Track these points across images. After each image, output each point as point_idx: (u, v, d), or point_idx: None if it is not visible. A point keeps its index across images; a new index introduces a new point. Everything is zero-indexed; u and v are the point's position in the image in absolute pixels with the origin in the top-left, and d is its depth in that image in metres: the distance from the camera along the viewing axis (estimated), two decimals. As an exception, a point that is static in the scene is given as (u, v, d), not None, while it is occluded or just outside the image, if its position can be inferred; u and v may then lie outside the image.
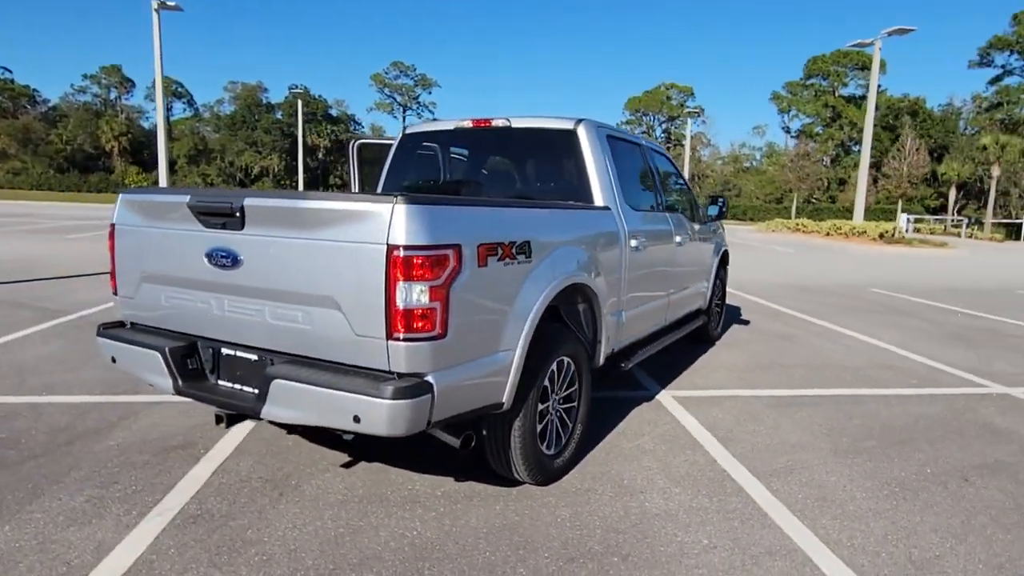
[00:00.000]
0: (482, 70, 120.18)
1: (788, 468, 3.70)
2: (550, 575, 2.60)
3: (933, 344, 7.24)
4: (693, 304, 5.90)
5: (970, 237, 37.24)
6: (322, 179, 73.25)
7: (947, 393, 5.33)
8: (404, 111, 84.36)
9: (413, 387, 2.45)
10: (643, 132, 78.97)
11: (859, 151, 71.51)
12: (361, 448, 3.76)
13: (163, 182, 27.43)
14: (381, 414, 2.44)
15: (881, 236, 25.55)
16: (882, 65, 71.41)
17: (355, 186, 6.03)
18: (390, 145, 6.16)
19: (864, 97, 72.92)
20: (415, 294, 2.40)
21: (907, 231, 27.34)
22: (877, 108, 71.49)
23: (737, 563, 2.71)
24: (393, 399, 2.41)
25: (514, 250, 2.88)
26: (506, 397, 2.90)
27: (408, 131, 4.78)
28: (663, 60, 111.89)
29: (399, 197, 2.41)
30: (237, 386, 2.98)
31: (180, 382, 2.99)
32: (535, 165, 4.49)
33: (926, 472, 3.71)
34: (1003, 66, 68.10)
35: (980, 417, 4.73)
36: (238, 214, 2.69)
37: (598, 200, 3.97)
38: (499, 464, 3.23)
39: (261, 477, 3.40)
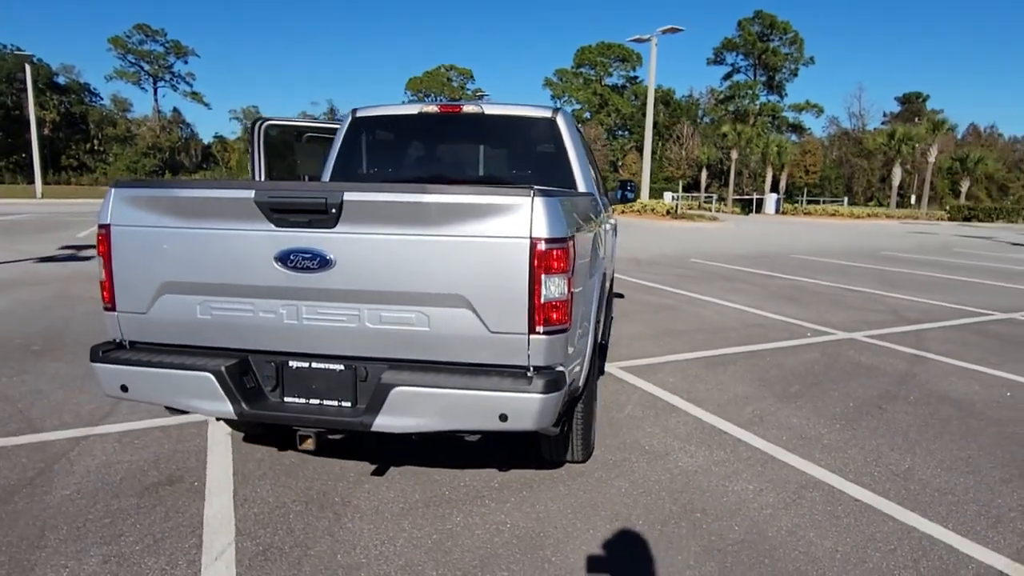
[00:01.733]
0: (248, 47, 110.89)
1: (759, 417, 4.29)
2: (658, 538, 2.79)
3: (772, 302, 8.64)
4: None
5: (719, 211, 43.90)
6: (51, 160, 61.77)
7: (814, 342, 6.46)
8: (155, 82, 74.93)
9: (557, 379, 2.45)
10: (427, 113, 79.69)
11: (625, 136, 79.84)
12: (364, 454, 3.56)
13: None
14: (532, 409, 2.42)
15: (668, 212, 29.12)
16: (639, 58, 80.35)
17: (258, 174, 5.46)
18: (305, 129, 5.70)
19: (626, 87, 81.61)
20: (554, 287, 2.40)
21: (676, 208, 31.52)
22: (636, 97, 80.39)
23: (790, 499, 3.16)
24: (544, 393, 2.40)
25: (588, 239, 2.96)
26: (583, 381, 2.99)
27: (359, 114, 4.46)
28: (443, 42, 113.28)
29: (533, 189, 2.38)
30: (316, 401, 2.67)
31: (244, 405, 2.60)
32: (511, 153, 4.51)
33: (850, 406, 4.55)
34: (732, 64, 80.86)
35: (849, 358, 5.85)
36: (333, 210, 2.41)
37: (581, 187, 4.14)
38: (554, 449, 3.31)
39: (297, 500, 3.08)
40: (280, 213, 2.45)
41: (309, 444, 2.64)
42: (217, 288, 2.58)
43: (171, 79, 75.72)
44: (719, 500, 3.14)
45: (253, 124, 5.39)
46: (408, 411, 2.47)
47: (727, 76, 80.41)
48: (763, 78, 79.30)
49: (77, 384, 4.68)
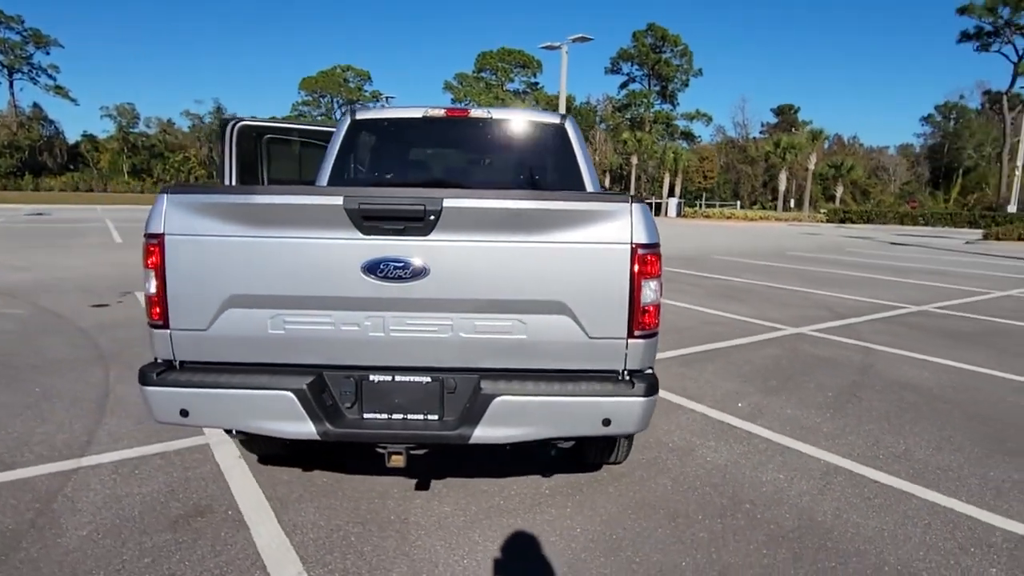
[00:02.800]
0: (121, 38, 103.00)
1: (757, 410, 4.53)
2: (723, 531, 2.90)
3: (716, 301, 9.11)
4: None
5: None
6: None
7: (769, 338, 6.89)
8: (10, 73, 67.92)
9: (655, 382, 2.50)
10: (322, 115, 77.33)
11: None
12: (392, 470, 3.45)
13: None
14: (636, 413, 2.45)
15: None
16: (539, 65, 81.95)
17: (229, 177, 5.15)
18: (282, 131, 5.41)
19: (527, 92, 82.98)
20: (650, 291, 2.45)
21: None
22: (537, 103, 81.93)
23: (821, 486, 3.37)
24: (646, 396, 2.44)
25: None
26: None
27: (359, 116, 4.31)
28: (339, 43, 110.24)
29: (630, 195, 2.41)
30: (400, 416, 2.55)
31: (329, 424, 2.44)
32: (520, 158, 4.49)
33: (829, 396, 4.90)
34: (628, 74, 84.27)
35: (807, 352, 6.29)
36: (432, 217, 2.33)
37: (589, 189, 4.22)
38: (601, 452, 3.35)
39: (350, 521, 2.94)
40: (372, 221, 2.34)
41: (399, 461, 2.52)
42: (294, 301, 2.42)
43: (30, 71, 68.85)
44: (759, 491, 3.30)
45: (224, 124, 5.06)
46: (510, 421, 2.43)
47: (623, 85, 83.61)
48: (657, 87, 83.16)
49: (32, 412, 4.20)
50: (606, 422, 2.45)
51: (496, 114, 4.25)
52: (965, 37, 49.10)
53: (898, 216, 44.36)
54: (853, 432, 4.14)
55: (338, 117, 78.31)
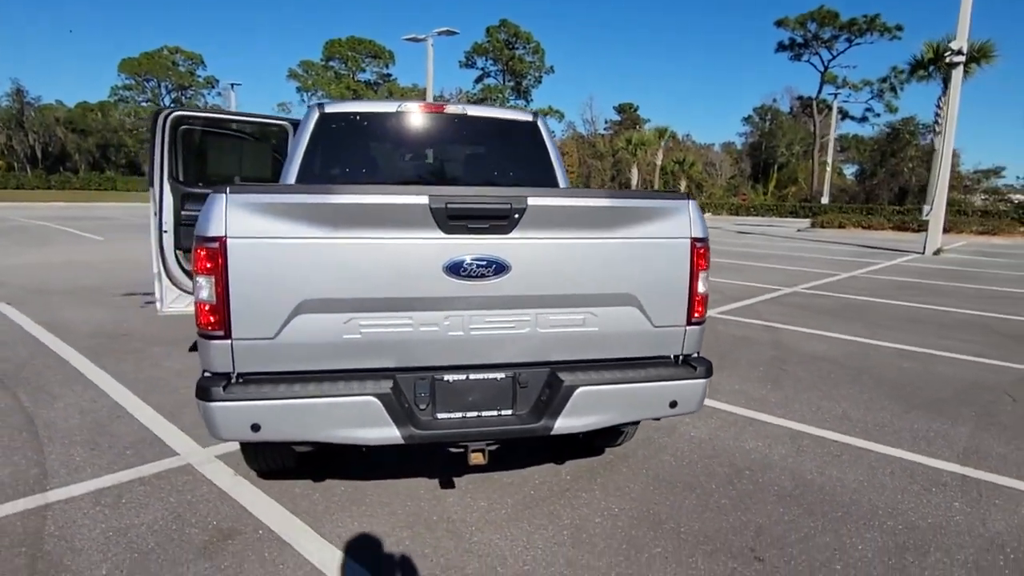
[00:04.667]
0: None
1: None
2: (740, 496, 3.22)
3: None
4: None
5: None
6: None
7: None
8: None
9: (710, 365, 2.72)
10: (148, 101, 70.41)
11: (388, 134, 79.49)
12: (382, 472, 3.44)
13: None
14: (698, 393, 2.67)
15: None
16: (391, 56, 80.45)
17: (160, 173, 4.71)
18: (222, 121, 4.99)
19: (379, 83, 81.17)
20: (703, 282, 2.67)
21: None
22: (391, 94, 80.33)
23: (794, 449, 3.82)
24: (706, 377, 2.67)
25: None
26: None
27: (328, 110, 4.11)
28: (162, 20, 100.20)
29: (687, 193, 2.61)
30: (474, 413, 2.55)
31: (413, 427, 2.39)
32: (495, 155, 4.52)
33: (761, 370, 5.49)
34: (483, 68, 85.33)
35: (725, 332, 6.94)
36: (517, 215, 2.36)
37: (562, 186, 4.39)
38: (609, 436, 3.54)
39: (396, 526, 2.89)
40: (458, 220, 2.32)
41: (480, 459, 2.53)
42: (371, 303, 2.34)
43: None
44: (749, 458, 3.68)
45: (156, 115, 4.58)
46: (590, 410, 2.54)
47: (478, 79, 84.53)
48: (511, 83, 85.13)
49: (-42, 446, 3.59)
50: (673, 404, 2.64)
51: (471, 111, 4.27)
52: (781, 47, 55.57)
53: (732, 207, 49.30)
54: (796, 401, 4.70)
55: (167, 103, 71.81)
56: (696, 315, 2.69)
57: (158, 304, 4.83)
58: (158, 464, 3.46)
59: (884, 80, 43.34)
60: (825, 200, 39.41)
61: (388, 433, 2.37)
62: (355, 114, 4.19)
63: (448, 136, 4.41)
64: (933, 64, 20.86)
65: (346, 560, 2.62)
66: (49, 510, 2.96)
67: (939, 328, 7.39)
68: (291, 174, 3.96)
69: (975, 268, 14.20)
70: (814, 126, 52.00)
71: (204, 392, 2.26)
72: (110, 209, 30.25)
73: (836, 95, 45.08)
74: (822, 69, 51.56)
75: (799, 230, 28.32)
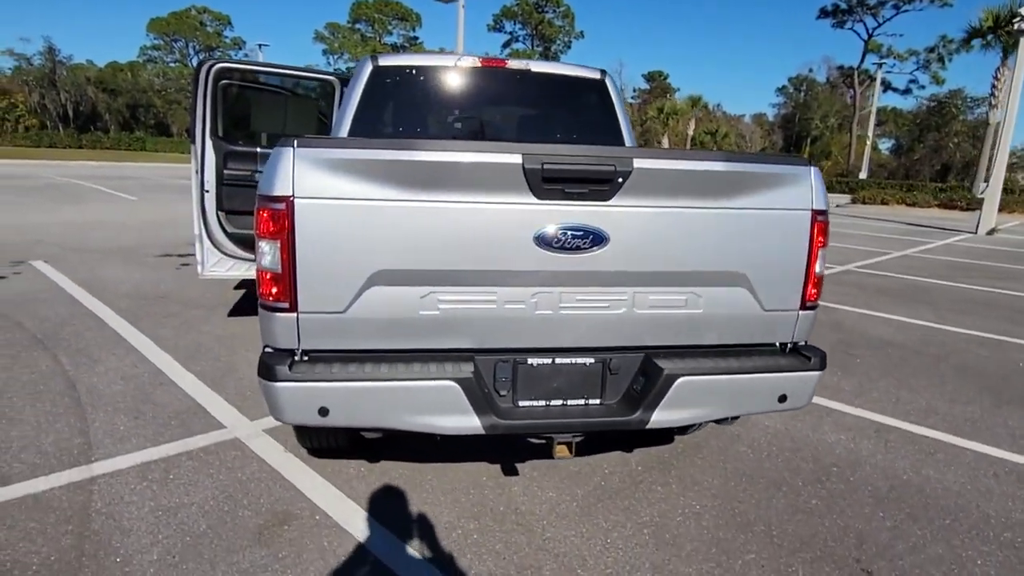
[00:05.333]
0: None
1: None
2: (830, 496, 2.94)
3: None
4: None
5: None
6: None
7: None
8: None
9: (824, 355, 2.43)
10: (176, 61, 70.06)
11: (416, 98, 78.86)
12: (438, 455, 3.21)
13: None
14: (810, 387, 2.38)
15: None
16: (418, 18, 79.06)
17: (202, 128, 4.46)
18: (267, 74, 4.71)
19: (406, 47, 79.94)
20: (821, 261, 2.36)
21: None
22: (424, 59, 79.33)
23: (881, 444, 3.52)
24: (821, 369, 2.37)
25: None
26: None
27: (381, 63, 3.81)
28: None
29: (808, 158, 2.28)
30: (558, 402, 2.30)
31: (495, 416, 2.14)
32: (559, 114, 4.19)
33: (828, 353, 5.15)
34: (511, 33, 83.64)
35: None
36: (620, 180, 2.06)
37: None
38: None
39: (461, 517, 2.67)
40: (554, 183, 2.03)
41: (566, 452, 2.28)
42: (452, 276, 2.08)
43: None
44: (835, 452, 3.39)
45: (199, 67, 4.31)
46: (690, 402, 2.27)
47: (506, 44, 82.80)
48: (540, 48, 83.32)
49: (-2, 411, 3.45)
50: (782, 398, 2.36)
51: (534, 67, 3.94)
52: (823, 14, 53.32)
53: (766, 181, 47.84)
54: (872, 389, 4.38)
55: (194, 64, 71.26)
56: (810, 298, 2.38)
57: (199, 267, 4.63)
58: (205, 437, 3.28)
59: (931, 50, 41.39)
60: (863, 175, 38.08)
61: (468, 422, 2.12)
62: (411, 68, 3.88)
63: (509, 94, 4.09)
64: (992, 32, 19.77)
65: (411, 553, 2.41)
66: (95, 484, 2.80)
67: (1012, 314, 6.95)
68: (342, 132, 3.68)
69: (1033, 250, 13.53)
70: (854, 97, 50.05)
71: (267, 370, 2.03)
72: (140, 169, 30.33)
73: (880, 65, 43.16)
74: (866, 37, 49.42)
75: (838, 206, 27.40)
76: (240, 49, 72.12)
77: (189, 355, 4.47)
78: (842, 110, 63.78)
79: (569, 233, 2.08)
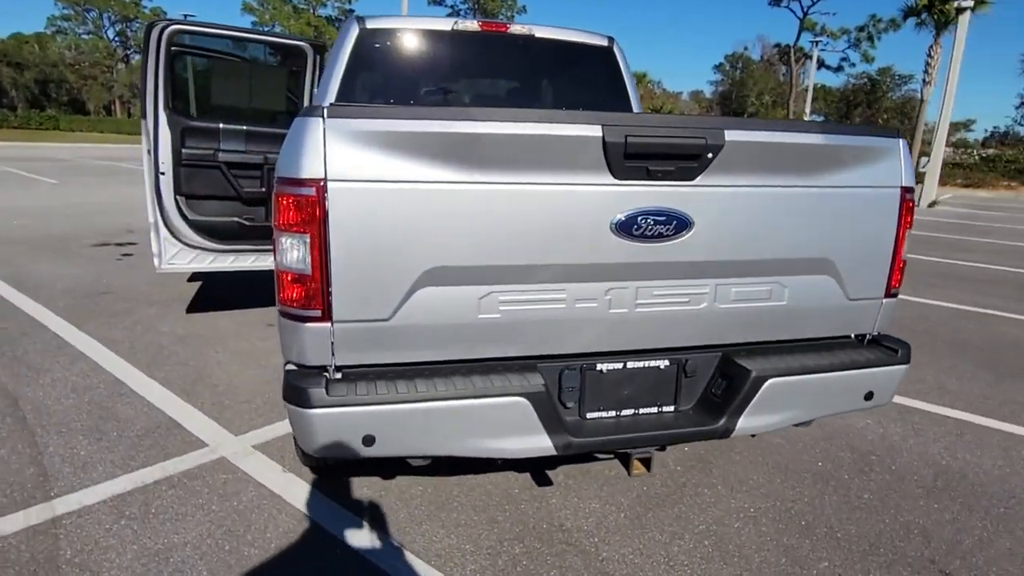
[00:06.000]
0: None
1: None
2: (880, 489, 2.79)
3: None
4: None
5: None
6: None
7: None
8: None
9: (908, 347, 2.22)
10: (90, 33, 65.30)
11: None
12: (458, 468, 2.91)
13: None
14: (895, 382, 2.18)
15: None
16: (344, -9, 75.98)
17: (153, 101, 3.92)
18: (228, 38, 4.17)
19: (340, 20, 76.98)
20: (906, 244, 2.14)
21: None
22: (361, 33, 76.75)
23: (910, 429, 3.42)
24: (907, 363, 2.18)
25: None
26: None
27: (369, 25, 3.37)
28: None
29: (897, 131, 2.05)
30: (629, 412, 2.01)
31: (568, 434, 1.83)
32: (564, 82, 3.84)
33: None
34: (452, 6, 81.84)
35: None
36: (709, 155, 1.76)
37: None
38: None
39: (504, 540, 2.37)
40: (636, 160, 1.72)
41: (642, 468, 2.00)
42: (516, 272, 1.75)
43: None
44: (868, 439, 3.25)
45: (149, 29, 3.75)
46: (779, 406, 2.03)
47: (449, 15, 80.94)
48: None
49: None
50: (868, 396, 2.15)
51: (538, 32, 3.59)
52: (758, -9, 54.41)
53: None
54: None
55: (111, 36, 66.70)
56: (895, 285, 2.17)
57: (156, 260, 4.09)
58: (185, 458, 2.85)
59: (862, 29, 42.85)
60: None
61: (538, 443, 1.82)
62: (402, 31, 3.47)
63: (510, 61, 3.73)
64: (927, 11, 20.45)
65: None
66: (61, 526, 2.35)
67: (979, 285, 7.11)
68: (328, 97, 3.25)
69: (978, 221, 14.13)
70: (791, 75, 51.45)
71: (298, 394, 1.66)
72: (56, 149, 28.11)
73: (816, 43, 44.38)
74: (801, 16, 50.73)
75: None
76: (159, 17, 67.65)
77: (150, 360, 3.96)
78: (776, 87, 65.54)
79: (651, 219, 1.79)
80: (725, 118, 1.86)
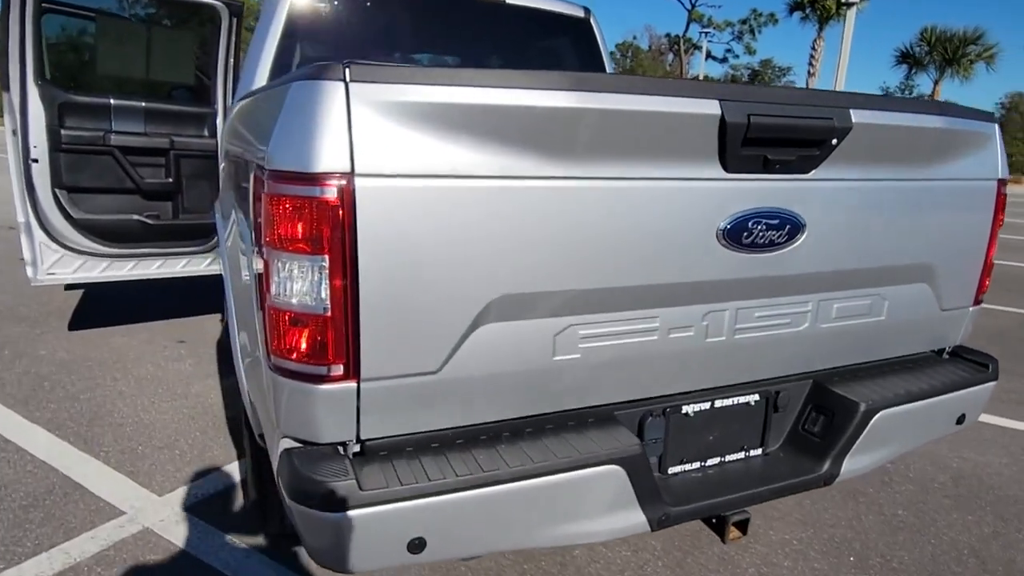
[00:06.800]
0: None
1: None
2: (952, 508, 2.60)
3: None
4: None
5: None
6: None
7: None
8: None
9: (995, 360, 1.98)
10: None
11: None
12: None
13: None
14: (984, 400, 1.92)
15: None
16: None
17: (20, 69, 3.12)
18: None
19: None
20: (997, 243, 1.89)
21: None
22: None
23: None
24: (996, 379, 1.92)
25: None
26: None
27: (312, -17, 2.75)
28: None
29: (992, 113, 1.77)
30: (715, 461, 1.62)
31: (665, 504, 1.41)
32: (538, 56, 3.35)
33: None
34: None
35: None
36: (834, 141, 1.39)
37: None
38: None
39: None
40: (755, 146, 1.31)
41: (737, 533, 1.60)
42: (601, 298, 1.29)
43: None
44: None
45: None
46: (883, 441, 1.72)
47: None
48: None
49: None
50: (960, 419, 1.89)
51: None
52: (647, -17, 56.09)
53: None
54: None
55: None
56: (983, 291, 1.91)
57: (30, 270, 3.25)
58: (95, 536, 2.18)
59: (744, 22, 45.17)
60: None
61: (629, 520, 1.38)
62: (351, -8, 2.87)
63: (475, 29, 3.22)
64: (811, 6, 21.65)
65: None
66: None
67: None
68: (258, 80, 2.61)
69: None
70: (680, 66, 53.49)
71: (316, 492, 1.12)
72: None
73: (705, 33, 46.33)
74: (689, 7, 52.80)
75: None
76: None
77: (27, 396, 3.14)
78: (666, 76, 68.12)
79: (764, 223, 1.40)
80: (847, 93, 1.49)
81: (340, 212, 1.06)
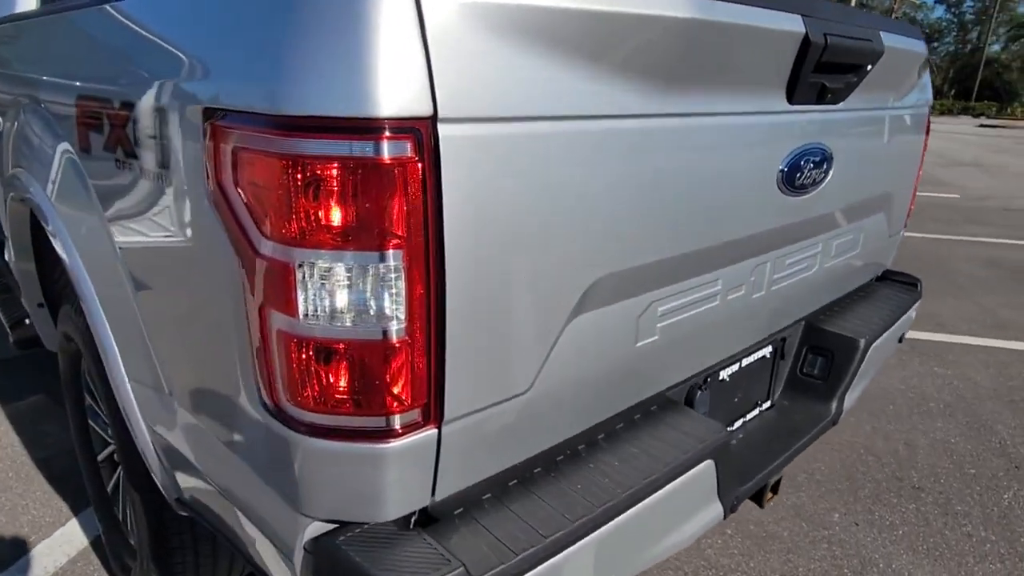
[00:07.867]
0: None
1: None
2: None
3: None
4: None
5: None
6: None
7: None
8: None
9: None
10: None
11: None
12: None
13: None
14: (912, 318, 2.03)
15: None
16: None
17: None
18: None
19: None
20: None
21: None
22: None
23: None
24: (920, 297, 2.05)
25: None
26: None
27: None
28: None
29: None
30: (739, 421, 1.52)
31: (735, 487, 1.24)
32: None
33: None
34: None
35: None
36: (868, 67, 1.26)
37: None
38: None
39: None
40: (822, 73, 1.15)
41: (769, 494, 1.49)
42: (674, 266, 1.05)
43: None
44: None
45: None
46: (868, 373, 1.71)
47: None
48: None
49: None
50: (901, 339, 1.97)
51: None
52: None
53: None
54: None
55: None
56: (910, 214, 2.01)
57: None
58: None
59: None
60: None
61: (709, 515, 1.17)
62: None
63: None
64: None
65: None
66: None
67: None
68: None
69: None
70: None
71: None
72: None
73: None
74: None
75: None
76: None
77: None
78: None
79: (811, 161, 1.25)
80: (870, 14, 1.38)
81: (422, 180, 0.67)
